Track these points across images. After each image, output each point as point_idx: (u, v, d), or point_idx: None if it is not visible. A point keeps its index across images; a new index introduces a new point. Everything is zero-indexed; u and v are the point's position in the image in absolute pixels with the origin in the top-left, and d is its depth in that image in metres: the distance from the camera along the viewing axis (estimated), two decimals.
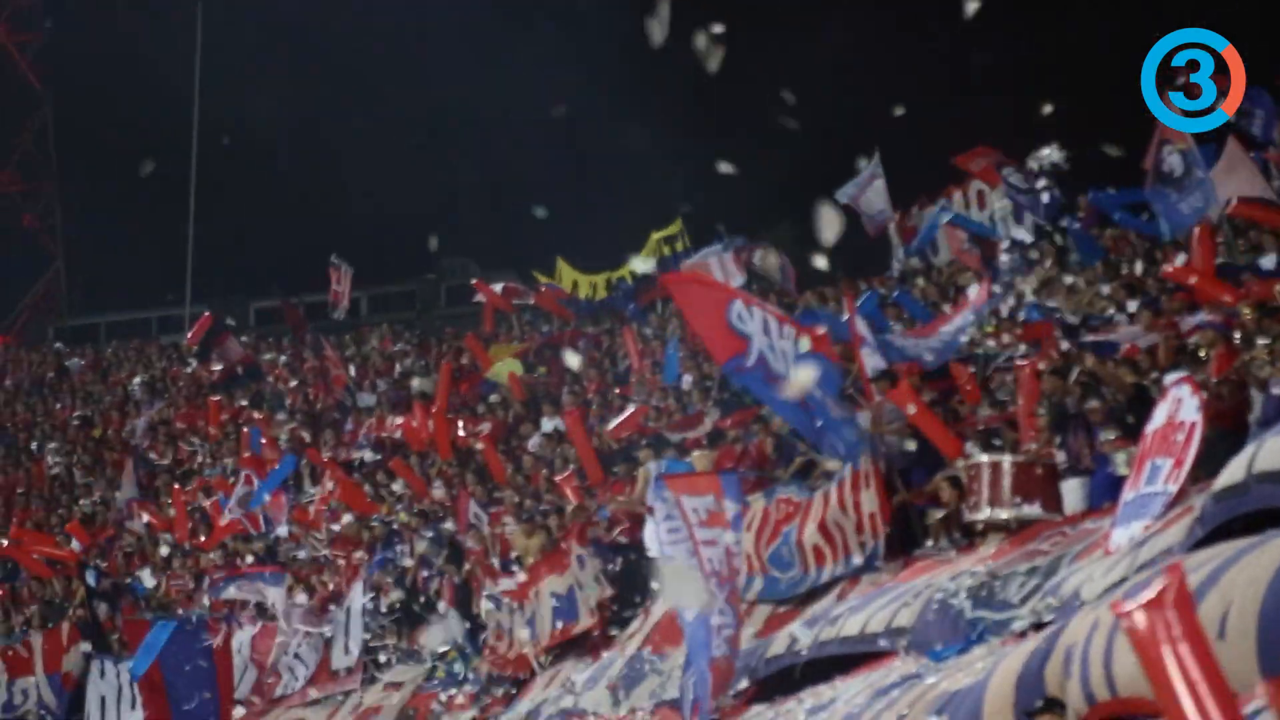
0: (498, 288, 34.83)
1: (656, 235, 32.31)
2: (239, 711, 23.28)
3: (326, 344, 33.44)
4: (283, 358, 38.91)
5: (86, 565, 27.07)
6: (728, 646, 15.87)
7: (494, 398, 28.02)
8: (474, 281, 36.10)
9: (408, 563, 22.58)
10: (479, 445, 25.58)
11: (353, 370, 33.44)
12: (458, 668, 21.21)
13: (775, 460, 19.40)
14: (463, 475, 24.86)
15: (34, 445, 38.04)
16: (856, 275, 26.93)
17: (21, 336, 53.91)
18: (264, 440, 30.04)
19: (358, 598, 22.63)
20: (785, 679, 15.82)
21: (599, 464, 22.72)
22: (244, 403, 35.06)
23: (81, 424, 38.69)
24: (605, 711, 17.84)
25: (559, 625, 19.82)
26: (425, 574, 22.30)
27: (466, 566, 21.87)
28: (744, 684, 16.17)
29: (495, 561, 21.48)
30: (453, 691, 20.83)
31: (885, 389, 17.74)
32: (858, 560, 16.86)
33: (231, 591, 24.46)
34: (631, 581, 19.58)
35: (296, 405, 33.97)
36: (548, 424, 25.06)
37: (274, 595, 23.90)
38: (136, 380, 41.23)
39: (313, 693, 23.15)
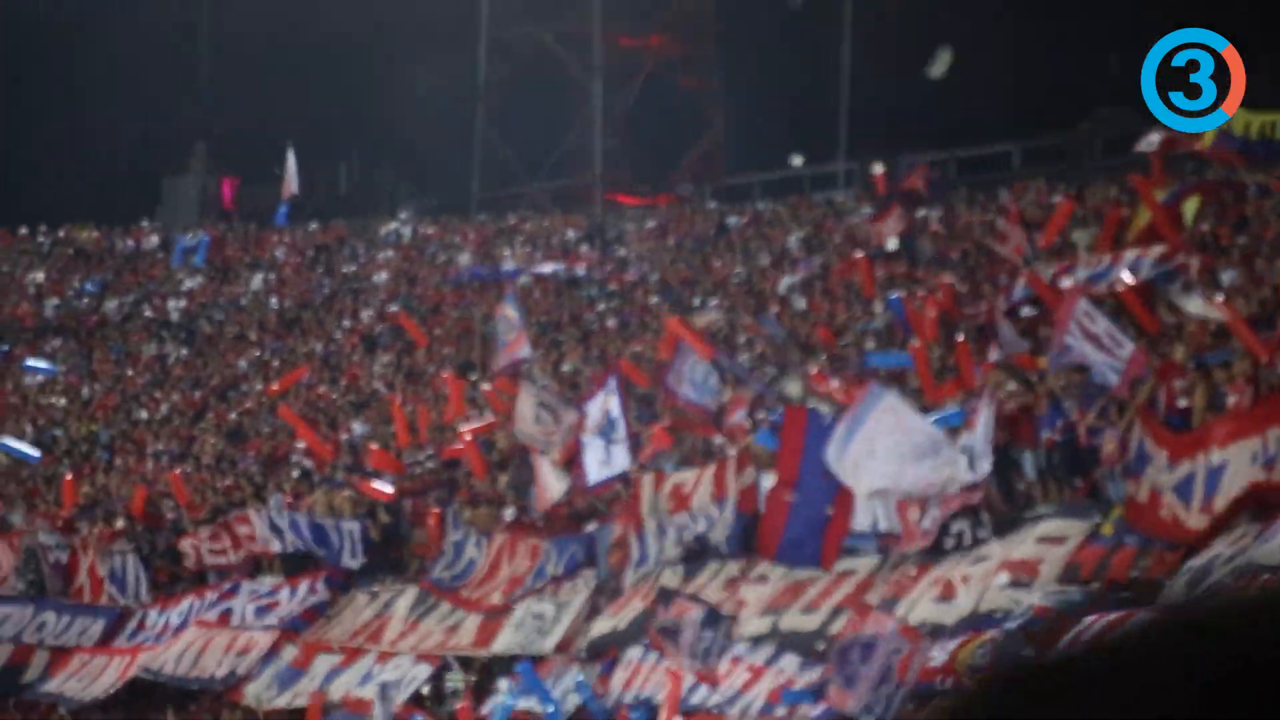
0: (1155, 138, 33.68)
1: None
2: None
3: (1009, 223, 32.76)
4: (936, 214, 38.80)
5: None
6: None
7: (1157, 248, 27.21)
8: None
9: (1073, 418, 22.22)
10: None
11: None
12: (1119, 526, 20.78)
13: None
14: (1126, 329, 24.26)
15: (696, 301, 39.21)
16: None
17: (680, 195, 55.61)
18: (908, 309, 29.97)
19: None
20: None
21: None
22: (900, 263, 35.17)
23: (741, 281, 39.67)
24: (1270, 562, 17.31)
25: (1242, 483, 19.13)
26: (1089, 428, 21.91)
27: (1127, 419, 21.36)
28: None
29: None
30: (1111, 547, 20.44)
31: None
32: None
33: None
34: None
35: (950, 263, 33.85)
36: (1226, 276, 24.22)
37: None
38: (793, 237, 41.95)
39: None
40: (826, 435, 22.16)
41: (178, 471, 34.82)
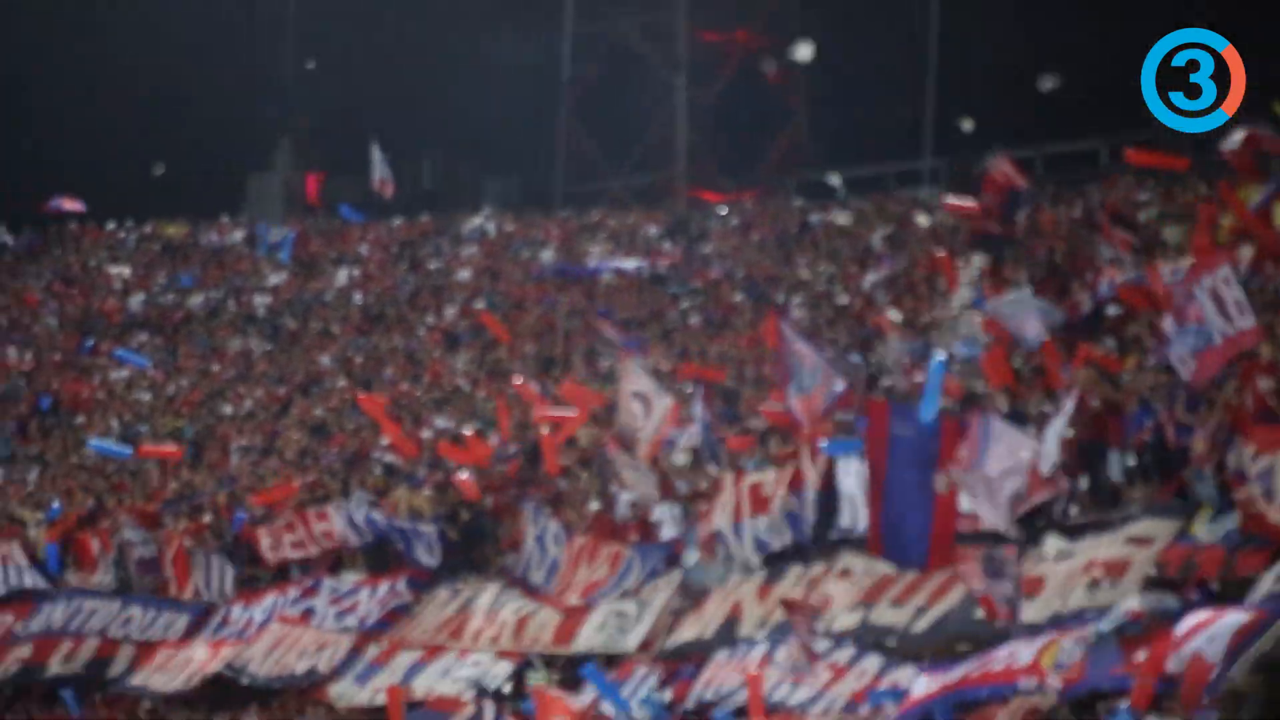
0: (1238, 137, 33.29)
1: None
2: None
3: (1104, 220, 32.42)
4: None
5: None
6: None
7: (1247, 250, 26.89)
8: None
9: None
10: None
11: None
12: (1208, 526, 20.55)
13: None
14: None
15: (779, 299, 39.03)
16: None
17: (764, 191, 55.43)
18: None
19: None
20: None
21: None
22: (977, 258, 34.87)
23: (825, 281, 39.45)
24: None
25: None
26: (1175, 428, 21.68)
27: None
28: None
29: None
30: (1198, 546, 20.23)
31: None
32: None
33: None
34: None
35: (1037, 259, 33.53)
36: None
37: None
38: (877, 235, 41.69)
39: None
40: (912, 423, 21.94)
41: (297, 483, 34.34)
